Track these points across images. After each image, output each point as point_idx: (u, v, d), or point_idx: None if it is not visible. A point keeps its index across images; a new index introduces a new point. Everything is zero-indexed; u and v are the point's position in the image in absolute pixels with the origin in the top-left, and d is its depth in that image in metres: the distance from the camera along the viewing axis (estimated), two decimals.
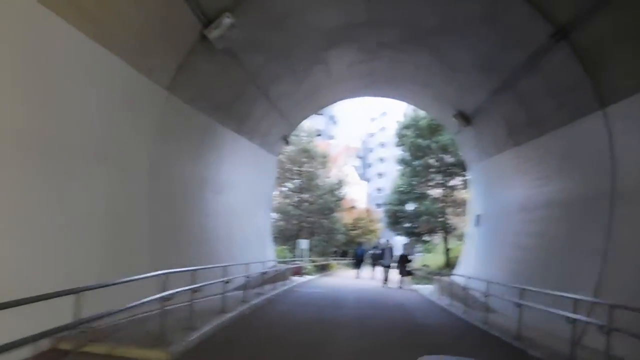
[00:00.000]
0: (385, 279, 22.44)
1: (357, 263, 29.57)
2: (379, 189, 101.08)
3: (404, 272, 22.31)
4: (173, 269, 7.76)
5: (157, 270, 8.14)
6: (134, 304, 6.01)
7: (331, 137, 78.00)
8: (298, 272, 22.48)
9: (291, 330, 9.16)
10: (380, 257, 24.56)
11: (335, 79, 17.09)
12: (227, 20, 9.12)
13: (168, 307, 7.74)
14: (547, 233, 11.70)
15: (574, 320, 7.18)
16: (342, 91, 19.32)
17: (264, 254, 19.11)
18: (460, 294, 13.90)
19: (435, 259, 31.97)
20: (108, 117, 7.94)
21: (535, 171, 12.60)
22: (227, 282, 9.46)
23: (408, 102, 20.46)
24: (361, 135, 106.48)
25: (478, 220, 18.01)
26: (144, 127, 9.09)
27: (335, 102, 21.31)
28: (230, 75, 11.62)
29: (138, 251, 8.86)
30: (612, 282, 8.44)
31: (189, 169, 11.43)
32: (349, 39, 13.45)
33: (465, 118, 16.45)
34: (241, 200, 16.57)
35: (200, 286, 7.80)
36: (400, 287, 21.13)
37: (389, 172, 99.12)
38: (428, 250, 30.65)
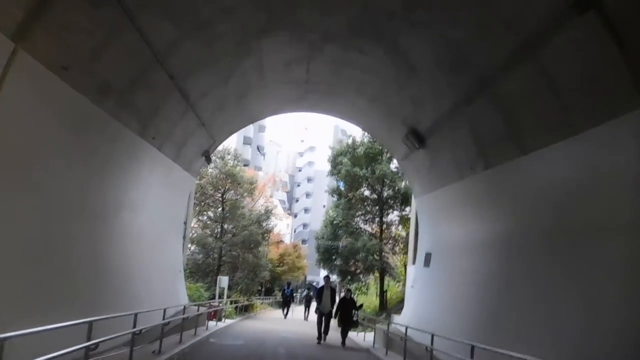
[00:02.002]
0: (323, 334, 15.56)
1: (285, 303, 28.32)
2: (304, 225, 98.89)
3: (349, 321, 15.94)
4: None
5: None
6: None
7: (258, 169, 74.94)
8: (215, 315, 18.88)
9: None
10: (315, 299, 17.50)
11: (268, 81, 14.23)
12: None
13: None
14: (540, 278, 9.13)
15: None
16: (275, 101, 16.44)
17: (174, 294, 15.48)
18: (420, 355, 11.14)
19: (369, 301, 29.23)
20: None
21: (516, 200, 10.11)
22: (94, 347, 6.03)
23: (350, 121, 17.91)
24: (288, 169, 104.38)
25: (428, 259, 15.47)
26: None
27: (265, 115, 18.44)
28: (126, 45, 8.39)
29: None
30: None
31: (58, 176, 7.95)
32: (287, 22, 10.68)
33: (418, 138, 14.00)
34: (146, 226, 13.06)
35: None
36: (344, 344, 15.39)
37: (316, 208, 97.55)
38: (360, 291, 27.84)
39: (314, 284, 39.16)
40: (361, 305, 17.87)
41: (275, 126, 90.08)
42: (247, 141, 75.48)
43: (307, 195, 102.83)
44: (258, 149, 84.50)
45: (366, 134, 25.45)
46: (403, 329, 13.40)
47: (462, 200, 13.01)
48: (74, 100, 7.74)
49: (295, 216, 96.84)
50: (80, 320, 5.95)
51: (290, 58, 12.89)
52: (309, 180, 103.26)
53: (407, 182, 24.72)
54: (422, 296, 15.31)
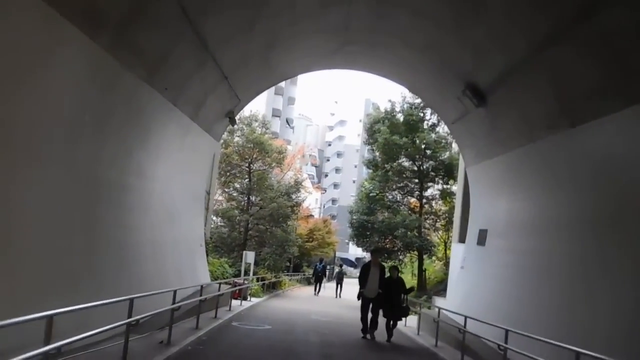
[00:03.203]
0: (372, 326, 11.78)
1: (317, 279, 27.45)
2: (333, 200, 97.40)
3: (398, 309, 12.00)
4: None
5: None
6: None
7: (287, 142, 73.23)
8: (240, 294, 17.25)
9: None
10: (358, 280, 12.52)
11: (301, 28, 12.21)
12: None
13: None
14: None
15: None
16: (308, 54, 14.37)
17: (192, 272, 13.84)
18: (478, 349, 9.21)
19: (407, 282, 27.32)
20: None
21: (617, 163, 7.87)
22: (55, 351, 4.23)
23: (393, 79, 15.73)
24: (317, 144, 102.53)
25: (483, 237, 13.39)
26: None
27: (296, 72, 16.40)
28: None
29: None
30: None
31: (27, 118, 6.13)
32: None
33: (477, 95, 11.80)
34: (157, 194, 11.33)
35: None
36: (389, 339, 11.75)
37: (345, 184, 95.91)
38: (400, 271, 25.84)
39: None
40: (412, 289, 13.64)
41: (304, 99, 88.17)
42: (275, 113, 73.59)
43: (337, 170, 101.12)
44: (287, 121, 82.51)
45: (407, 98, 23.25)
46: (454, 317, 11.50)
47: (531, 168, 10.84)
48: (49, 21, 5.84)
49: (324, 191, 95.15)
50: (33, 316, 4.11)
51: None
52: (339, 155, 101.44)
53: (454, 152, 22.56)
54: (476, 279, 13.28)
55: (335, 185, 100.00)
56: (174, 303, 8.27)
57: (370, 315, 11.82)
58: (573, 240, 8.92)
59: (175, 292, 8.40)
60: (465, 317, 9.77)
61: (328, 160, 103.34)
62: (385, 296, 11.81)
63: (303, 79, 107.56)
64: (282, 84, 75.44)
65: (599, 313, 7.65)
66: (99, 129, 7.90)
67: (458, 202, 19.05)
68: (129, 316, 6.20)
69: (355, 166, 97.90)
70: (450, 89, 13.07)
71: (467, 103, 12.22)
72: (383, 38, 12.82)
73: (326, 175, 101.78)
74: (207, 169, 15.78)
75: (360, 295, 12.01)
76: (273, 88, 73.07)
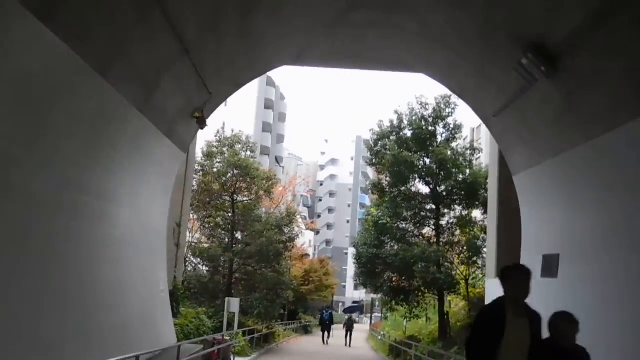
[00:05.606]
0: None
1: (325, 328, 27.36)
2: (327, 242, 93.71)
3: None
4: None
5: None
6: None
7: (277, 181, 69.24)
8: (218, 355, 13.11)
9: None
10: (468, 348, 4.15)
11: None
12: None
13: None
14: None
15: None
16: (300, 26, 10.69)
17: (148, 327, 9.82)
18: None
19: (419, 327, 23.21)
20: None
21: None
22: None
23: (414, 66, 12.11)
24: (309, 183, 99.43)
25: (551, 264, 9.60)
26: None
27: (283, 59, 12.47)
28: None
29: None
30: None
31: None
32: None
33: (546, 59, 8.20)
34: (94, 215, 7.49)
35: None
36: None
37: (339, 224, 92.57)
38: (415, 316, 21.65)
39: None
40: None
41: (294, 137, 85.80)
42: (264, 151, 70.27)
43: (330, 210, 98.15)
44: (277, 160, 79.18)
45: (416, 109, 19.85)
46: None
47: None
48: None
49: (317, 233, 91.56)
50: None
51: None
52: (331, 194, 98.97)
53: (476, 169, 19.07)
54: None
55: (329, 226, 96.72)
56: None
57: None
58: None
59: None
60: None
61: (320, 200, 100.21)
62: None
63: (292, 115, 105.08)
64: (270, 120, 72.49)
65: None
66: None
67: (491, 226, 15.36)
68: None
69: (349, 205, 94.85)
70: (496, 64, 9.60)
71: (533, 71, 8.59)
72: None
73: (319, 216, 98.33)
74: (169, 189, 11.89)
75: None
76: (261, 125, 70.02)
